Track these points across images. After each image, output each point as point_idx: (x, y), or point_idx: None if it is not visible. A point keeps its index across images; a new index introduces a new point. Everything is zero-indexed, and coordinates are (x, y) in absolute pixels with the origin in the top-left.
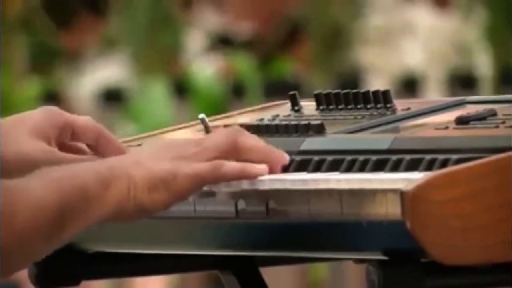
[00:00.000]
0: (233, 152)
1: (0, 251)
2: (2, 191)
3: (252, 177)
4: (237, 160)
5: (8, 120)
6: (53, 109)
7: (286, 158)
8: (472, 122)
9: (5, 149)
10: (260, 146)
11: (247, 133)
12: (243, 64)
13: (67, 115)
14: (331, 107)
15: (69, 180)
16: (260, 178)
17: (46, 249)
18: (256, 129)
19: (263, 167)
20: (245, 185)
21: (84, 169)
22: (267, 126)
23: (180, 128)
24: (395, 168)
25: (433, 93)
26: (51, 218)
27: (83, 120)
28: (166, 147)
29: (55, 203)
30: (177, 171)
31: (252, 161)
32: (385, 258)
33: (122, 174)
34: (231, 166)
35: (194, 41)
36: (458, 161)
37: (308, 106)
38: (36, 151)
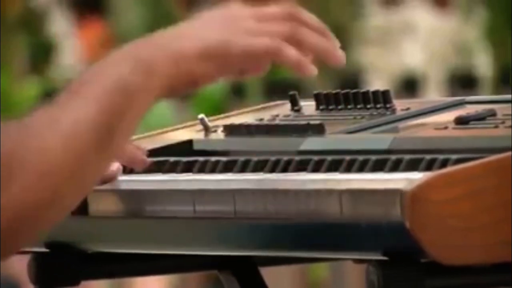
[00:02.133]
0: (290, 19)
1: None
2: (29, 132)
3: (303, 72)
4: (294, 38)
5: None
6: None
7: (337, 44)
8: (471, 122)
9: None
10: (321, 26)
11: (303, 10)
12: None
13: None
14: (330, 107)
15: (103, 84)
16: (259, 177)
17: (102, 163)
18: (256, 129)
19: (313, 68)
20: (245, 185)
21: (118, 63)
22: (267, 126)
23: (180, 128)
24: (395, 168)
25: (433, 93)
26: (97, 134)
27: None
28: (223, 17)
29: (96, 117)
30: (230, 42)
31: (307, 40)
32: (385, 258)
33: (168, 52)
34: (291, 53)
35: None
36: (458, 161)
37: (308, 106)
38: None
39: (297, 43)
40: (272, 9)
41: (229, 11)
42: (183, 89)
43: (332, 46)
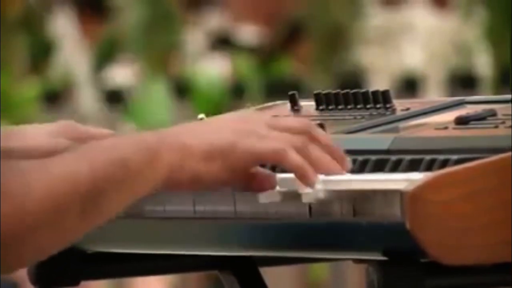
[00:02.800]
0: (303, 133)
1: (11, 238)
2: (14, 172)
3: (305, 181)
4: (302, 150)
5: (22, 126)
6: (68, 122)
7: (348, 166)
8: (472, 122)
9: (24, 143)
10: (331, 144)
11: (319, 129)
12: (243, 64)
13: (82, 127)
14: (330, 107)
15: (103, 153)
16: None
17: (83, 226)
18: None
19: (318, 178)
20: None
21: (124, 142)
22: None
23: None
24: (395, 168)
25: (433, 93)
26: (83, 192)
27: (99, 132)
28: (237, 120)
29: (87, 177)
30: (237, 144)
31: (314, 155)
32: (385, 258)
33: (174, 144)
34: (297, 159)
35: (195, 41)
36: (458, 161)
37: (308, 106)
38: (58, 143)
39: (303, 156)
40: (287, 121)
41: (246, 115)
42: (186, 184)
43: (338, 168)
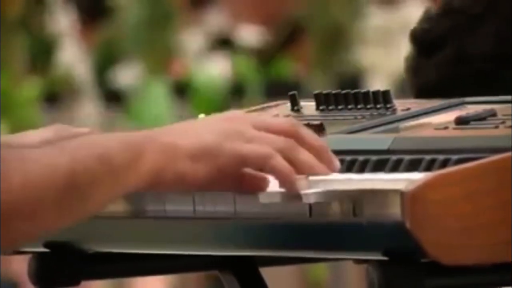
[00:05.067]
0: (289, 136)
1: None
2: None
3: (290, 188)
4: (288, 153)
5: (16, 135)
6: (61, 126)
7: (336, 167)
8: (472, 123)
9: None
10: (318, 145)
11: (308, 130)
12: (243, 65)
13: (75, 130)
14: (331, 107)
15: (85, 147)
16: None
17: (60, 219)
18: None
19: (304, 184)
20: None
21: (109, 138)
22: None
23: None
24: (395, 168)
25: None
26: (61, 184)
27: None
28: (223, 120)
29: (65, 169)
30: (223, 146)
31: (301, 158)
32: (385, 258)
33: (159, 143)
34: (280, 164)
35: (195, 41)
36: (458, 161)
37: (308, 106)
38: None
39: (289, 159)
40: (274, 122)
41: (231, 115)
42: (170, 185)
43: (324, 170)
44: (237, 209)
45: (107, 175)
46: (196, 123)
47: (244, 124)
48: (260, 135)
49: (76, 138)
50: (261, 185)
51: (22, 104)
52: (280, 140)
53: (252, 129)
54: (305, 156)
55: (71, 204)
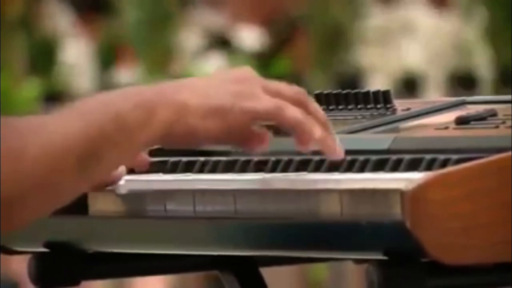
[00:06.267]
0: (297, 103)
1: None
2: (12, 131)
3: (305, 136)
4: (301, 104)
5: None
6: None
7: (340, 153)
8: (472, 122)
9: None
10: (321, 115)
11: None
12: (242, 64)
13: None
14: (331, 107)
15: (99, 110)
16: (259, 177)
17: (80, 185)
18: None
19: (319, 133)
20: (245, 185)
21: (121, 97)
22: (266, 126)
23: None
24: (395, 168)
25: (433, 93)
26: (77, 151)
27: None
28: (233, 79)
29: (81, 135)
30: (235, 103)
31: (312, 107)
32: (385, 258)
33: (171, 101)
34: (294, 112)
35: (193, 40)
36: (458, 161)
37: None
38: None
39: (303, 109)
40: (284, 86)
41: (243, 76)
42: (182, 141)
43: (331, 140)
44: (237, 209)
45: (121, 135)
46: (208, 81)
47: (256, 87)
48: (269, 95)
49: (88, 100)
50: (265, 140)
51: (22, 104)
52: (293, 92)
53: (263, 92)
54: (318, 113)
55: (89, 168)
